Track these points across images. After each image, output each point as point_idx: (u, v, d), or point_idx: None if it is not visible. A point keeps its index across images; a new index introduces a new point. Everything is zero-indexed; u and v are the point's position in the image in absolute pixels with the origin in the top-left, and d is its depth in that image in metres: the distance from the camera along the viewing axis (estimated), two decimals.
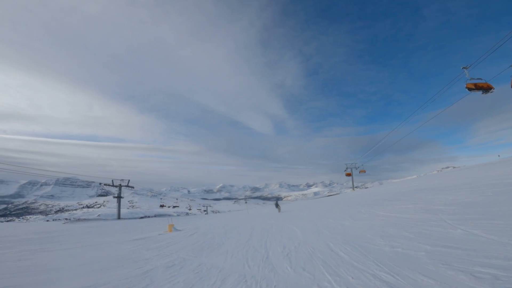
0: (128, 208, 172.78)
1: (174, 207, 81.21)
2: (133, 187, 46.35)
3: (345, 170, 50.72)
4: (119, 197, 44.14)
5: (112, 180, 44.54)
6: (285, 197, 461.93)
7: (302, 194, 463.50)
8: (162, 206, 64.04)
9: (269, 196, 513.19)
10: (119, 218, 41.96)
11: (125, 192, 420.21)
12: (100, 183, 43.62)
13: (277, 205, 25.75)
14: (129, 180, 43.43)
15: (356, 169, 49.34)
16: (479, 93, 14.85)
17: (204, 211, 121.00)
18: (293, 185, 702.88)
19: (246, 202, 47.72)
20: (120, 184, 44.51)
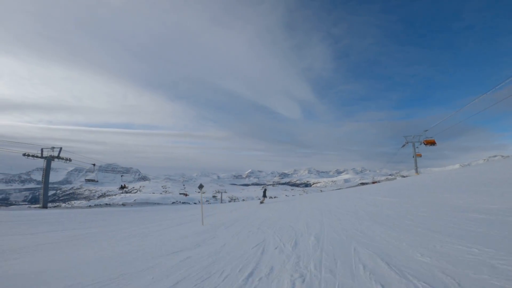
0: (160, 193, 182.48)
1: (185, 194, 79.21)
2: (69, 160, 32.45)
3: (402, 146, 38.66)
4: (46, 172, 32.64)
5: (42, 149, 31.84)
6: (313, 183, 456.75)
7: (332, 181, 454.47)
8: (185, 194, 64.10)
9: (298, 182, 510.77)
10: (44, 206, 32.80)
11: (159, 177, 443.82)
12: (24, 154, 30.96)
13: (264, 194, 21.92)
14: (60, 148, 29.93)
15: (417, 147, 36.50)
16: None
17: (213, 197, 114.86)
18: (323, 171, 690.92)
19: (263, 189, 39.48)
20: (49, 156, 30.88)
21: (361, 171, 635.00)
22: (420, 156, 35.91)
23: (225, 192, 74.93)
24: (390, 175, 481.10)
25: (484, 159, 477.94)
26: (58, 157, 31.68)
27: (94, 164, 32.34)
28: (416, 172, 36.10)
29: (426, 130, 33.29)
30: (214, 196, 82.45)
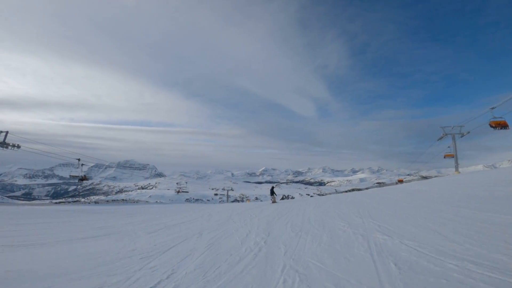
0: (175, 190, 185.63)
1: (180, 191, 71.01)
2: (17, 146, 24.18)
3: (439, 139, 30.58)
4: None
5: None
6: (328, 182, 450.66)
7: (347, 180, 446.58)
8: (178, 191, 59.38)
9: (312, 180, 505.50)
10: None
11: (174, 174, 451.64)
12: None
13: (272, 193, 20.19)
14: (7, 132, 22.87)
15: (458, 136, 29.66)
16: None
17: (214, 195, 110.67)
18: (337, 170, 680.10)
19: (271, 188, 33.11)
20: None
21: (378, 171, 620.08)
22: (452, 156, 29.80)
23: (231, 190, 71.28)
24: (408, 174, 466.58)
25: (509, 160, 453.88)
26: (3, 143, 22.57)
27: (79, 159, 28.99)
28: (457, 170, 29.88)
29: (493, 107, 22.74)
30: (216, 194, 77.83)
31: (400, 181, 40.28)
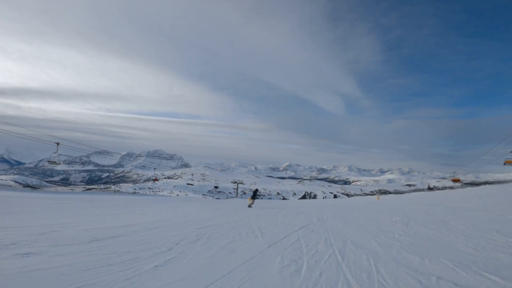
0: (199, 181, 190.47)
1: (189, 183, 71.80)
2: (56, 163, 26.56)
3: None
4: None
5: None
6: (353, 181, 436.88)
7: (374, 180, 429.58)
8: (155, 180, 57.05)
9: (336, 179, 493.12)
10: None
11: (199, 165, 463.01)
12: None
13: (254, 196, 19.38)
14: (58, 144, 23.66)
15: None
16: None
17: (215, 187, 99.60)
18: (364, 170, 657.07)
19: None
20: None
21: (408, 172, 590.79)
22: None
23: (242, 183, 71.00)
24: (442, 178, 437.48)
25: None
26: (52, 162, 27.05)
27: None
28: None
29: None
30: (216, 187, 75.55)
31: (457, 181, 34.31)
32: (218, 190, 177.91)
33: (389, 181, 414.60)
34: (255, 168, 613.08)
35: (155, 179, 50.59)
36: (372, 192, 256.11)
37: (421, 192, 51.97)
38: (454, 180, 32.95)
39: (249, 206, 18.49)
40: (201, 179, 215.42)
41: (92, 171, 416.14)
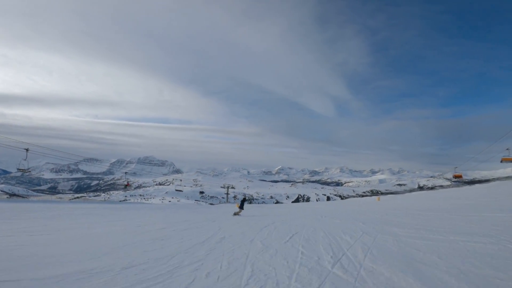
0: (191, 187, 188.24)
1: (178, 190, 69.46)
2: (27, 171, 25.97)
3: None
4: None
5: None
6: (345, 183, 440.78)
7: (365, 181, 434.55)
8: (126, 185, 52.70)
9: (329, 180, 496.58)
10: None
11: (191, 171, 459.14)
12: None
13: (242, 205, 18.07)
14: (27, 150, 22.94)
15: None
16: None
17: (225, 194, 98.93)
18: (356, 171, 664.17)
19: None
20: None
21: (398, 172, 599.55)
22: None
23: (232, 187, 70.02)
24: (431, 176, 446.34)
25: None
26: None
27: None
28: None
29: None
30: (201, 192, 74.55)
31: (458, 176, 31.86)
32: (211, 195, 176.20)
33: (381, 181, 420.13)
34: (248, 172, 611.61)
35: (127, 184, 47.53)
36: (364, 193, 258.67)
37: (418, 192, 51.95)
38: (456, 176, 31.96)
39: (235, 214, 17.39)
40: (194, 185, 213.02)
41: (81, 179, 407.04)
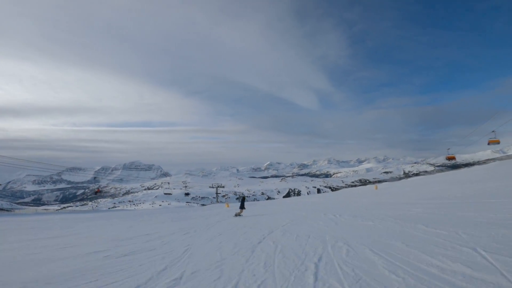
0: (180, 189, 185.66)
1: (167, 193, 64.95)
2: None
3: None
4: None
5: None
6: (334, 174, 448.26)
7: (353, 171, 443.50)
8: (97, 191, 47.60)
9: (318, 173, 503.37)
10: None
11: (179, 173, 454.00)
12: None
13: (242, 205, 17.64)
14: None
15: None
16: None
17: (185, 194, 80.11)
18: (343, 161, 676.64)
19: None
20: None
21: (384, 160, 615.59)
22: (498, 142, 25.76)
23: (221, 186, 67.45)
24: (415, 162, 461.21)
25: None
26: None
27: None
28: None
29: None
30: (187, 194, 71.59)
31: (452, 158, 31.27)
32: (202, 196, 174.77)
33: (368, 170, 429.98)
34: (237, 170, 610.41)
35: (97, 191, 45.39)
36: (353, 182, 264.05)
37: (414, 178, 51.35)
38: (449, 158, 30.98)
39: (237, 215, 17.03)
40: (183, 187, 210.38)
41: (65, 189, 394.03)
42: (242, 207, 17.50)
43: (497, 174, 25.37)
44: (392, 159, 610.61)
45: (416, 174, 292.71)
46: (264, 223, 12.33)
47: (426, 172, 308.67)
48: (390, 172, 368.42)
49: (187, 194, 73.31)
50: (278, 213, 17.36)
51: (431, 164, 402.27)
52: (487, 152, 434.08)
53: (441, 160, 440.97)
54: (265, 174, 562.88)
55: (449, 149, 30.25)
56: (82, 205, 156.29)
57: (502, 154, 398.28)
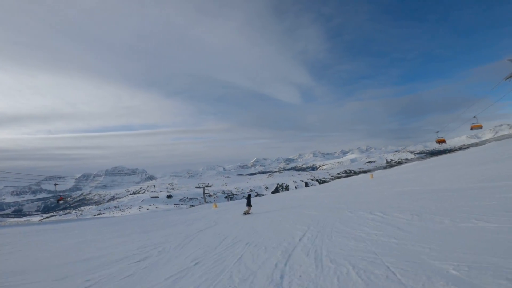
0: (167, 191, 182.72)
1: (153, 196, 59.96)
2: None
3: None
4: None
5: None
6: (320, 166, 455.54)
7: (338, 162, 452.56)
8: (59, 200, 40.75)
9: (304, 166, 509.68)
10: None
11: (165, 176, 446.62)
12: None
13: (248, 202, 17.09)
14: None
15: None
16: None
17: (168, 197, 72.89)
18: (328, 153, 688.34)
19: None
20: None
21: (367, 150, 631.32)
22: (481, 127, 26.20)
23: (208, 186, 64.58)
24: (396, 151, 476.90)
25: (491, 129, 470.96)
26: None
27: None
28: None
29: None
30: (169, 196, 66.46)
31: (442, 141, 29.95)
32: (190, 197, 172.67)
33: (352, 160, 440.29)
34: (224, 169, 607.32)
35: (60, 199, 41.91)
36: (339, 174, 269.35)
37: (406, 165, 49.17)
38: (439, 141, 29.39)
39: (245, 213, 16.52)
40: (170, 189, 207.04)
41: (46, 198, 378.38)
42: (248, 204, 17.00)
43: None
44: (375, 148, 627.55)
45: (399, 163, 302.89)
46: (272, 234, 8.42)
47: (407, 160, 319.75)
48: (374, 161, 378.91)
49: (169, 196, 69.75)
50: (286, 215, 12.82)
51: (411, 152, 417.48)
52: (462, 138, 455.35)
53: (420, 147, 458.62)
54: (252, 170, 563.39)
55: (438, 132, 29.35)
56: (66, 213, 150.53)
57: (477, 140, 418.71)
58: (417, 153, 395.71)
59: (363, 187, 22.94)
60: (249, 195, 17.99)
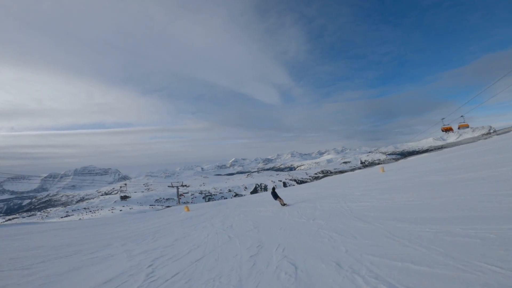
0: (142, 192, 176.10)
1: (124, 196, 53.93)
2: None
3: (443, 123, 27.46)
4: None
5: None
6: (297, 167, 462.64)
7: (315, 163, 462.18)
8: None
9: (282, 166, 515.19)
10: None
11: (140, 176, 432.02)
12: None
13: (275, 196, 16.06)
14: None
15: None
16: None
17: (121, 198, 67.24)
18: (305, 154, 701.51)
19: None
20: None
21: (342, 151, 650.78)
22: (467, 126, 26.01)
23: (184, 185, 58.80)
24: (370, 152, 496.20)
25: (455, 132, 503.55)
26: None
27: None
28: None
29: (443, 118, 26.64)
30: (124, 197, 53.30)
31: (448, 129, 27.41)
32: (166, 198, 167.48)
33: (328, 161, 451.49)
34: (202, 168, 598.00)
35: None
36: (316, 174, 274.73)
37: (403, 160, 47.47)
38: (445, 129, 26.95)
39: (283, 205, 15.30)
40: (145, 189, 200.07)
41: (9, 200, 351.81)
42: (277, 197, 15.89)
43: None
44: (349, 149, 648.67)
45: (372, 163, 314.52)
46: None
47: (380, 161, 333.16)
48: (349, 162, 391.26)
49: (123, 197, 57.29)
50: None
51: (383, 153, 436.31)
52: (429, 140, 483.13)
53: (391, 148, 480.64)
54: (230, 171, 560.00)
55: (443, 118, 27.42)
56: (30, 215, 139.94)
57: (443, 142, 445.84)
58: (389, 154, 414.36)
59: (358, 185, 19.19)
60: (274, 188, 16.85)
